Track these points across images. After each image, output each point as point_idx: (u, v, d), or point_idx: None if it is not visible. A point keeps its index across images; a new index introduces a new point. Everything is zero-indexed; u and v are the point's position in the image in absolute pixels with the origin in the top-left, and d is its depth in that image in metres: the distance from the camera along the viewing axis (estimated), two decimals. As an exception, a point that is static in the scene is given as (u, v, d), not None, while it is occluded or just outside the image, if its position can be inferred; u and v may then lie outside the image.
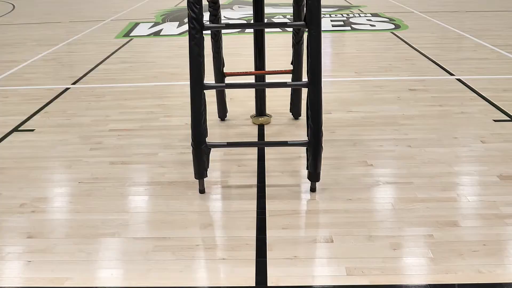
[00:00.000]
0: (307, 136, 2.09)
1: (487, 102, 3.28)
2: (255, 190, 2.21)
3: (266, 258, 1.71)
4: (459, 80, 3.80)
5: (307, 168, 2.14)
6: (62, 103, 3.55)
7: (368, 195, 2.13)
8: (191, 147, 2.12)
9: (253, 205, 2.08)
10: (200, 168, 2.13)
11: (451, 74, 3.96)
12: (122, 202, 2.15)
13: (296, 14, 2.68)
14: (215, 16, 2.62)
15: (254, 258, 1.71)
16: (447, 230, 1.85)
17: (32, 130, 3.04)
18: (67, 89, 3.89)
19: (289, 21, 6.36)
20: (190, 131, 2.15)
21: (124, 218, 2.01)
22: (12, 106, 3.51)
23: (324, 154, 2.17)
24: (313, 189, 2.17)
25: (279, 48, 4.88)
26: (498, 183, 2.21)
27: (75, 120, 3.18)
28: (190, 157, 2.27)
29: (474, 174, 2.30)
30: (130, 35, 6.05)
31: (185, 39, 5.53)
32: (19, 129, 3.07)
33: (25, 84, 4.09)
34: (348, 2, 8.47)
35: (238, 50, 4.92)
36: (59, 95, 3.73)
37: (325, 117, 2.37)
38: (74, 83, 4.04)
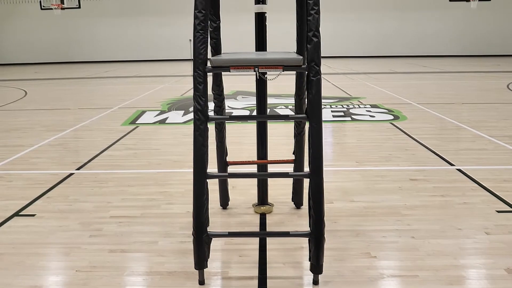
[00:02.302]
0: (309, 226, 2.08)
1: (488, 193, 3.28)
2: (256, 282, 2.15)
3: None
4: (459, 170, 3.84)
5: (310, 260, 2.10)
6: (65, 188, 3.57)
7: (372, 289, 2.07)
8: (192, 236, 2.10)
9: (253, 298, 2.01)
10: (201, 258, 2.10)
11: (451, 164, 4.01)
12: (119, 293, 2.08)
13: (298, 106, 2.78)
14: (219, 107, 2.72)
15: None
16: (456, 329, 1.77)
17: (33, 215, 3.02)
18: (71, 174, 3.92)
19: (291, 113, 6.55)
20: (191, 220, 2.15)
21: (120, 310, 1.94)
22: (15, 190, 3.53)
23: (326, 244, 2.14)
24: (315, 282, 2.12)
25: (281, 138, 4.99)
26: (505, 277, 2.16)
27: (77, 206, 3.18)
28: (190, 246, 2.24)
29: (480, 267, 2.25)
30: (136, 122, 6.22)
31: (190, 127, 5.67)
32: (20, 213, 3.06)
33: (30, 168, 4.14)
34: (347, 93, 8.78)
35: (241, 139, 5.03)
36: (62, 180, 3.76)
37: (327, 207, 2.37)
38: (78, 169, 4.09)
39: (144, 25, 21.91)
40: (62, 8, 18.48)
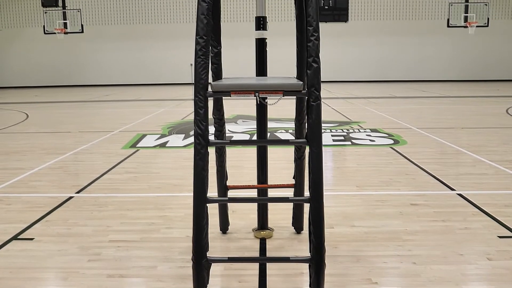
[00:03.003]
0: (310, 251, 2.06)
1: (490, 218, 3.27)
2: (255, 308, 2.12)
3: None
4: (460, 195, 3.83)
5: (310, 286, 2.07)
6: (64, 212, 3.56)
7: (373, 316, 2.04)
8: (192, 261, 2.08)
9: (253, 325, 1.98)
10: (200, 283, 2.07)
11: (452, 189, 4.00)
12: (117, 319, 2.05)
13: (298, 131, 2.80)
14: (220, 131, 2.73)
15: None
16: None
17: (32, 239, 3.00)
18: (70, 197, 3.91)
19: (292, 137, 6.57)
20: (191, 244, 2.13)
21: (118, 337, 1.91)
22: (14, 214, 3.51)
23: (327, 270, 2.12)
24: (316, 308, 2.09)
25: (282, 162, 4.99)
26: (508, 305, 2.13)
27: (76, 230, 3.16)
28: (189, 271, 2.22)
29: (483, 294, 2.23)
30: (136, 146, 6.23)
31: (190, 151, 5.68)
32: (18, 237, 3.04)
33: (29, 191, 4.13)
34: (347, 118, 8.82)
35: (241, 163, 5.03)
36: (62, 203, 3.74)
37: (327, 232, 2.36)
38: (78, 192, 4.08)
39: (145, 49, 22.16)
40: (65, 33, 18.71)
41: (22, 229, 3.18)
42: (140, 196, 3.94)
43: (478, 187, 4.07)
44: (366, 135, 6.84)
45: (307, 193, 2.14)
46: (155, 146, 6.23)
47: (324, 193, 2.07)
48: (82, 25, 18.89)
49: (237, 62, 18.41)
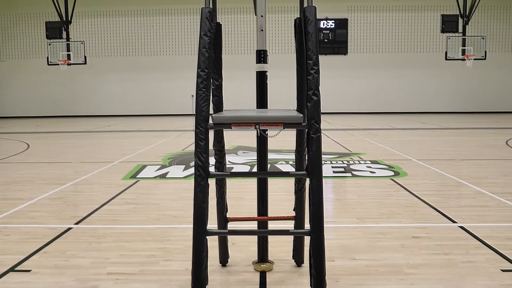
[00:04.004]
0: (310, 285, 2.03)
1: (492, 251, 3.23)
2: None
3: None
4: (462, 227, 3.80)
5: (311, 321, 2.04)
6: (63, 243, 3.52)
7: None
8: (191, 295, 2.05)
9: None
10: (199, 318, 2.04)
11: (453, 221, 3.97)
12: None
13: (298, 163, 2.80)
14: (220, 163, 2.74)
15: None
16: None
17: (29, 271, 2.96)
18: (69, 228, 3.88)
19: (292, 169, 6.57)
20: (190, 277, 2.10)
21: None
22: (11, 245, 3.48)
23: (328, 305, 2.09)
24: None
25: (282, 193, 4.98)
26: None
27: (74, 262, 3.12)
28: (188, 305, 2.18)
29: (487, 330, 2.18)
30: (136, 177, 6.22)
31: (190, 182, 5.67)
32: (16, 269, 3.00)
33: (28, 222, 4.11)
34: (348, 149, 8.84)
35: (241, 194, 5.02)
36: (60, 234, 3.71)
37: (328, 264, 2.33)
38: (77, 223, 4.05)
39: (147, 80, 22.40)
40: (69, 64, 18.96)
41: (20, 260, 3.15)
42: (139, 227, 3.91)
43: (480, 219, 4.04)
44: (367, 166, 6.84)
45: (307, 225, 2.13)
46: (155, 177, 6.22)
47: (325, 226, 2.06)
48: (85, 57, 19.15)
49: (237, 93, 18.58)
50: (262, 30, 2.70)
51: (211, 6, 2.40)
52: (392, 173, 6.26)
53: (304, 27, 2.30)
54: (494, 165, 6.91)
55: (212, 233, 2.11)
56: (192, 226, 2.07)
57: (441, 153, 8.18)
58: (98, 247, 3.41)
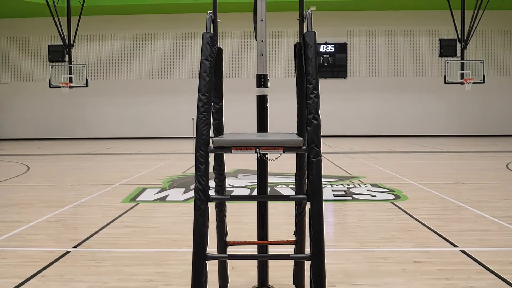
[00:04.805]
0: (311, 311, 2.01)
1: (495, 276, 3.20)
2: None
3: None
4: (463, 252, 3.76)
5: None
6: (61, 267, 3.49)
7: None
8: (189, 321, 2.02)
9: None
10: None
11: (455, 246, 3.94)
12: None
13: (299, 186, 2.79)
14: (220, 186, 2.73)
15: None
16: None
17: (26, 296, 2.93)
18: (67, 252, 3.85)
19: (292, 192, 6.55)
20: (189, 303, 2.08)
21: None
22: (9, 268, 3.44)
23: (329, 331, 2.06)
24: None
25: (282, 217, 4.95)
26: None
27: (72, 286, 3.08)
28: (187, 331, 2.15)
29: None
30: (136, 199, 6.20)
31: (190, 205, 5.65)
32: (12, 294, 2.97)
33: (26, 245, 4.07)
34: (348, 172, 8.83)
35: (241, 218, 4.99)
36: (58, 258, 3.68)
37: (329, 290, 2.30)
38: (75, 247, 4.02)
39: (147, 103, 22.53)
40: (70, 87, 19.10)
41: (17, 284, 3.11)
42: (138, 251, 3.88)
43: (481, 243, 4.01)
44: (367, 190, 6.82)
45: (308, 250, 2.11)
46: (155, 200, 6.20)
47: (325, 250, 2.04)
48: (87, 80, 19.30)
49: (238, 117, 18.66)
50: (262, 55, 2.73)
51: (212, 31, 2.43)
52: (393, 197, 6.24)
53: (304, 52, 2.33)
54: (495, 188, 6.89)
55: (212, 258, 2.10)
56: (191, 250, 2.05)
57: (441, 177, 8.16)
58: (97, 271, 3.38)
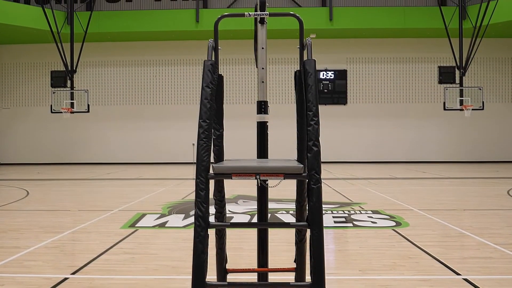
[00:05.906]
0: None
1: (498, 306, 3.15)
2: None
3: None
4: (466, 280, 3.72)
5: None
6: (58, 294, 3.44)
7: None
8: None
9: None
10: None
11: (457, 274, 3.89)
12: None
13: (299, 213, 2.78)
14: (220, 213, 2.72)
15: None
16: None
17: (21, 324, 2.88)
18: (65, 279, 3.80)
19: (292, 218, 6.51)
20: (188, 332, 2.05)
21: None
22: (5, 297, 3.40)
23: None
24: None
25: (282, 244, 4.91)
26: None
27: (68, 314, 3.04)
28: None
29: None
30: (135, 225, 6.16)
31: (190, 231, 5.60)
32: (8, 322, 2.92)
33: (23, 272, 4.03)
34: (348, 199, 8.79)
35: (241, 244, 4.95)
36: (56, 285, 3.63)
37: (330, 319, 2.27)
38: (73, 273, 3.97)
39: (147, 129, 22.61)
40: (72, 112, 19.20)
41: (13, 312, 3.07)
42: (137, 278, 3.83)
43: (484, 271, 3.96)
44: (368, 216, 6.78)
45: (308, 277, 2.09)
46: (154, 226, 6.16)
47: (326, 277, 2.02)
48: (88, 105, 19.42)
49: (238, 143, 18.70)
50: (263, 82, 2.75)
51: (213, 59, 2.46)
52: (394, 224, 6.19)
53: (304, 79, 2.35)
54: (497, 215, 6.85)
55: (211, 286, 2.07)
56: (191, 277, 2.03)
57: (442, 203, 8.12)
58: (94, 299, 3.33)
